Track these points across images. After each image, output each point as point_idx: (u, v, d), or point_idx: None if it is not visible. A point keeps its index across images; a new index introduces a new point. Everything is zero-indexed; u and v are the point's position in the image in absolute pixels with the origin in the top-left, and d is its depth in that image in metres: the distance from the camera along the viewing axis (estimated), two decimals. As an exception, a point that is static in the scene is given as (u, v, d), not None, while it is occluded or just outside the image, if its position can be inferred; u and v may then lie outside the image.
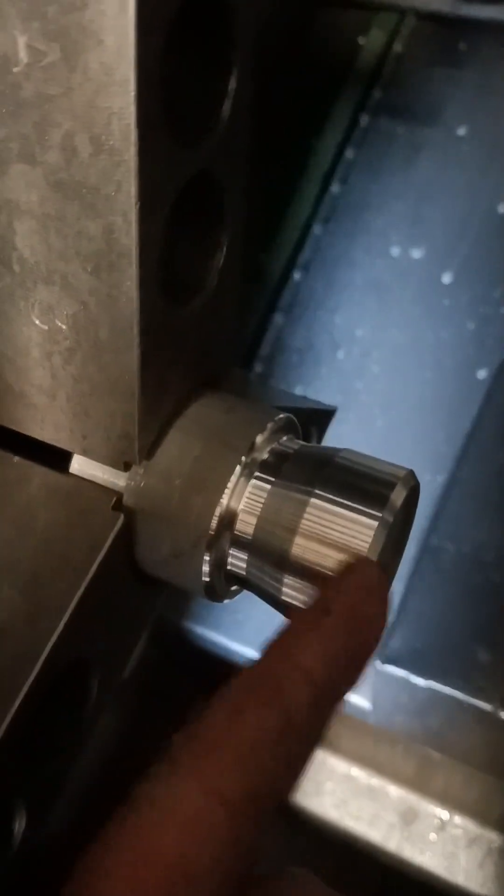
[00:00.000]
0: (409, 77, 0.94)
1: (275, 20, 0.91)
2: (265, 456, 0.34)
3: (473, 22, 0.93)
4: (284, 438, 0.36)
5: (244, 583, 0.35)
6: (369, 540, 0.31)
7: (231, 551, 0.34)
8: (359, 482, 0.32)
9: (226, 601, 0.37)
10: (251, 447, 0.34)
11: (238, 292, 0.36)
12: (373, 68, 0.94)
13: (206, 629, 0.81)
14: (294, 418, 0.36)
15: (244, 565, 0.34)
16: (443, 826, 0.90)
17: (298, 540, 0.32)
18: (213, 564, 0.34)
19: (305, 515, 0.32)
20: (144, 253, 0.29)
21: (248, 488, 0.34)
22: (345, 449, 0.34)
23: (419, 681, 0.71)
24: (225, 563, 0.35)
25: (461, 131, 0.91)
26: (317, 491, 0.32)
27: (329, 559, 0.31)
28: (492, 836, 0.89)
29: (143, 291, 0.30)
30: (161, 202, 0.29)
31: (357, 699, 0.76)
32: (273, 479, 0.34)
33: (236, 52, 0.31)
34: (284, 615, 0.34)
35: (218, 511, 0.33)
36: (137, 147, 0.27)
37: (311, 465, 0.33)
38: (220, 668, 0.84)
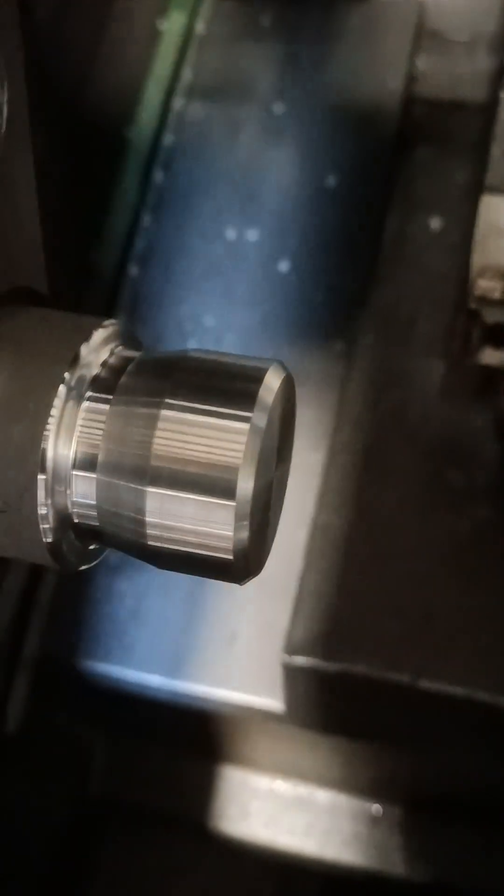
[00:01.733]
0: (216, 57, 0.92)
1: (70, 13, 0.87)
2: (96, 371, 0.28)
3: (272, -5, 0.92)
4: (119, 348, 0.30)
5: (99, 536, 0.29)
6: (241, 448, 0.26)
7: (74, 497, 0.28)
8: (217, 382, 0.27)
9: (83, 568, 0.30)
10: (75, 360, 0.28)
11: (32, 172, 0.29)
12: (178, 51, 0.92)
13: (92, 661, 0.74)
14: (129, 327, 0.30)
15: (94, 513, 0.28)
16: (377, 821, 0.87)
17: (155, 464, 0.26)
18: (54, 517, 0.28)
19: (157, 433, 0.26)
20: None
21: (81, 413, 0.27)
22: (194, 349, 0.29)
23: (330, 666, 0.66)
24: (69, 514, 0.28)
25: (278, 107, 0.90)
26: (167, 400, 0.27)
27: (197, 482, 0.26)
28: (427, 819, 0.86)
29: None
30: None
31: (267, 702, 0.71)
32: (110, 398, 0.28)
33: None
34: (157, 566, 0.28)
35: (46, 445, 0.27)
36: None
37: (156, 373, 0.27)
38: (121, 703, 0.78)
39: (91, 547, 0.30)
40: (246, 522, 0.26)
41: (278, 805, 0.88)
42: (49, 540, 0.28)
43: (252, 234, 0.86)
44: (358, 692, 0.67)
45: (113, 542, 0.28)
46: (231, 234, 0.86)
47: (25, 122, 0.29)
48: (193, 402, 0.26)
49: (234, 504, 0.26)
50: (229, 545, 0.26)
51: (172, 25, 0.93)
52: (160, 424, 0.26)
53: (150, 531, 0.26)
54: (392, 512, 0.69)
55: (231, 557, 0.27)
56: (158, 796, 0.87)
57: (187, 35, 0.93)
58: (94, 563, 0.30)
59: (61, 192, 0.78)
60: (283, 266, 0.84)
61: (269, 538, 0.29)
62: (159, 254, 0.85)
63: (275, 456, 0.28)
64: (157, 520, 0.26)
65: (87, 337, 0.28)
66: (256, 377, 0.27)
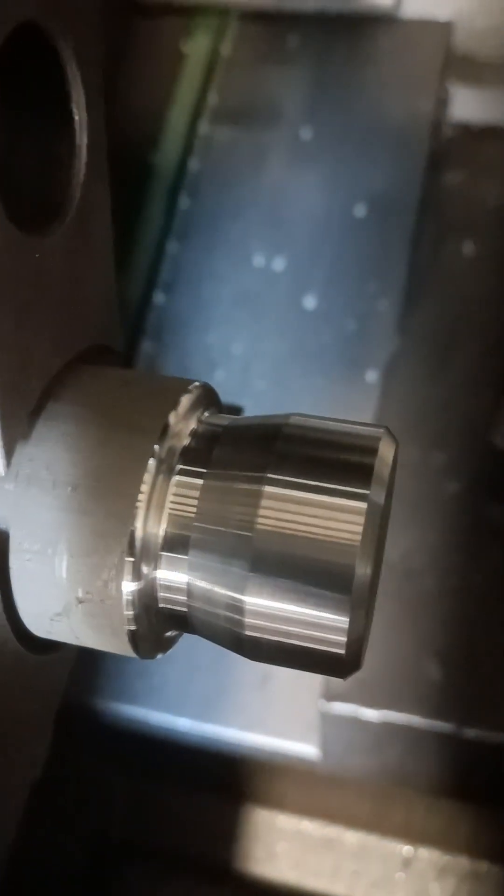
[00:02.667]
0: (241, 80, 0.90)
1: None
2: (186, 441, 0.26)
3: (299, 16, 0.90)
4: (206, 414, 0.27)
5: (185, 623, 0.26)
6: (359, 530, 0.23)
7: (162, 580, 0.25)
8: (326, 453, 0.24)
9: (158, 656, 0.27)
10: (164, 431, 0.25)
11: (110, 221, 0.27)
12: (203, 74, 0.90)
13: (118, 703, 0.71)
14: (211, 387, 0.27)
15: (184, 598, 0.25)
16: (409, 862, 0.84)
17: (258, 546, 0.23)
18: (139, 603, 0.25)
19: (260, 511, 0.23)
20: None
21: (173, 487, 0.25)
22: (294, 413, 0.26)
23: (370, 713, 0.63)
24: (155, 598, 0.25)
25: (305, 131, 0.88)
26: (270, 475, 0.23)
27: (307, 567, 0.23)
28: (460, 861, 0.83)
29: None
30: None
31: (303, 747, 0.68)
32: (204, 471, 0.25)
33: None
34: (253, 658, 0.25)
35: (136, 525, 0.24)
36: None
37: (254, 443, 0.25)
38: (145, 746, 0.75)
39: (169, 633, 0.27)
40: (362, 612, 0.23)
41: (305, 846, 0.85)
42: (132, 628, 0.25)
43: (280, 260, 0.83)
44: (398, 741, 0.64)
45: (202, 630, 0.25)
46: (259, 260, 0.83)
47: (104, 169, 0.27)
48: (301, 477, 0.23)
49: (349, 596, 0.23)
50: (342, 639, 0.23)
51: (197, 48, 0.91)
52: (264, 502, 0.23)
53: (249, 620, 0.23)
54: (433, 550, 0.66)
55: (343, 652, 0.24)
56: (181, 837, 0.85)
57: (212, 58, 0.91)
58: (168, 651, 0.27)
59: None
60: (313, 293, 0.81)
61: (370, 623, 0.27)
62: (186, 281, 0.83)
63: (384, 532, 0.26)
64: (259, 608, 0.23)
65: (175, 404, 0.25)
66: (370, 448, 0.24)
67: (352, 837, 0.84)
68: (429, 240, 0.84)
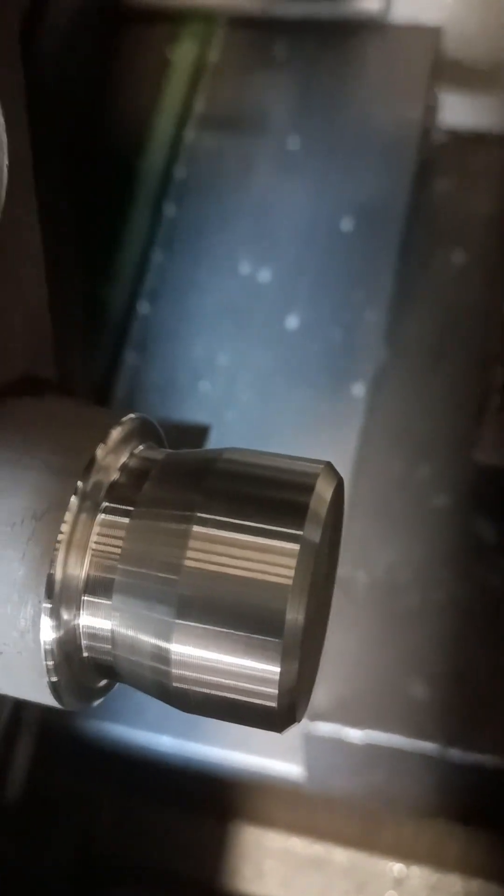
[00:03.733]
0: (228, 87, 0.89)
1: (77, 43, 0.84)
2: (114, 476, 0.24)
3: (286, 22, 0.89)
4: (140, 448, 0.26)
5: (112, 673, 0.25)
6: (291, 573, 0.21)
7: (84, 627, 0.24)
8: (259, 491, 0.23)
9: (94, 704, 0.26)
10: (90, 465, 0.24)
11: (40, 244, 0.26)
12: (189, 81, 0.89)
13: (100, 721, 0.70)
14: (150, 419, 0.26)
15: (108, 646, 0.24)
16: (400, 881, 0.82)
17: (184, 590, 0.22)
18: (59, 652, 0.23)
19: (188, 553, 0.22)
20: None
21: (96, 527, 0.23)
22: (228, 448, 0.24)
23: (354, 734, 0.62)
24: (78, 646, 0.24)
25: (293, 138, 0.87)
26: (199, 514, 0.22)
27: (236, 613, 0.22)
28: (452, 880, 0.82)
29: None
30: None
31: (286, 767, 0.67)
32: (131, 509, 0.23)
33: None
34: (182, 709, 0.24)
35: (54, 569, 0.23)
36: None
37: (185, 479, 0.23)
38: (128, 764, 0.74)
39: (100, 683, 0.26)
40: (295, 661, 0.22)
41: (294, 865, 0.84)
42: (53, 679, 0.23)
43: (267, 270, 0.82)
44: (383, 761, 0.63)
45: (129, 679, 0.24)
46: (245, 269, 0.82)
47: (30, 191, 0.26)
48: (231, 517, 0.22)
49: (280, 641, 0.22)
50: (273, 690, 0.22)
51: (184, 55, 0.90)
52: (191, 542, 0.22)
53: (175, 671, 0.22)
54: (419, 566, 0.65)
55: (274, 705, 0.22)
56: (167, 856, 0.83)
57: (199, 65, 0.90)
58: (102, 699, 0.26)
59: (70, 226, 0.75)
60: (300, 303, 0.80)
61: (313, 674, 0.25)
62: (171, 290, 0.82)
63: (323, 573, 0.24)
64: (186, 658, 0.22)
65: (103, 437, 0.24)
66: (306, 485, 0.22)
67: (341, 855, 0.83)
68: (418, 248, 0.82)
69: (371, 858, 0.82)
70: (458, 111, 0.89)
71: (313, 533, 0.22)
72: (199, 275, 0.82)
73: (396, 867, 0.82)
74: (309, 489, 0.22)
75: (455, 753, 0.60)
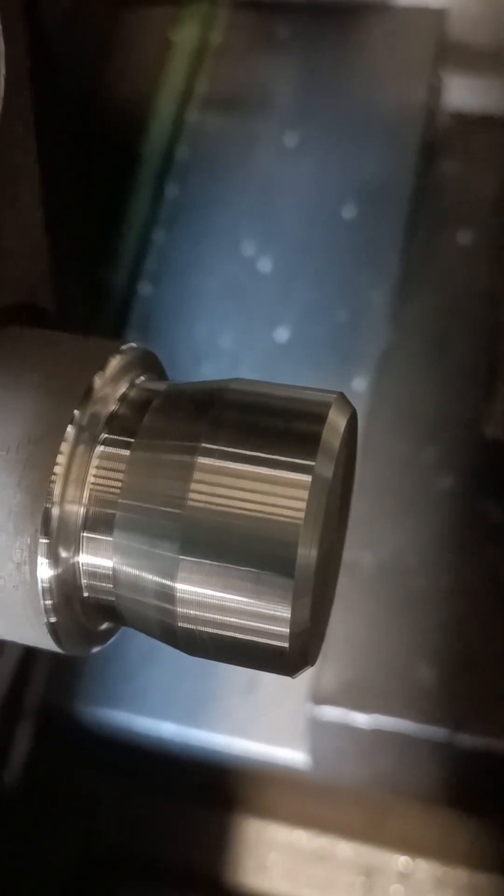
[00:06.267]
0: (231, 68, 0.88)
1: (80, 24, 0.83)
2: (113, 407, 0.23)
3: (290, 4, 0.88)
4: (142, 379, 0.24)
5: (114, 614, 0.23)
6: (303, 507, 0.20)
7: (84, 565, 0.22)
8: (269, 422, 0.21)
9: (95, 650, 0.24)
10: (87, 394, 0.22)
11: (35, 160, 0.24)
12: (192, 63, 0.88)
13: (101, 708, 0.68)
14: (152, 351, 0.25)
15: (110, 585, 0.22)
16: (406, 875, 0.81)
17: (189, 525, 0.20)
18: (58, 592, 0.22)
19: (193, 486, 0.20)
20: None
21: (94, 460, 0.22)
22: (236, 378, 0.23)
23: (361, 718, 0.61)
24: (78, 586, 0.22)
25: (296, 119, 0.86)
26: (204, 445, 0.21)
27: (244, 549, 0.20)
28: (459, 873, 0.81)
29: None
30: None
31: (292, 754, 0.65)
32: (131, 441, 0.22)
33: None
34: (189, 652, 0.22)
35: (51, 502, 0.21)
36: None
37: (189, 410, 0.22)
38: (130, 752, 0.72)
39: (103, 626, 0.24)
40: (307, 600, 0.20)
41: (298, 857, 0.82)
42: (52, 620, 0.22)
43: (270, 251, 0.81)
44: (390, 747, 0.62)
45: (133, 621, 0.23)
46: (248, 250, 0.81)
47: (28, 109, 0.25)
48: (238, 447, 0.21)
49: (292, 579, 0.20)
50: (284, 630, 0.20)
51: (186, 36, 0.89)
52: (196, 475, 0.21)
53: (181, 609, 0.21)
54: (427, 549, 0.63)
55: (286, 645, 0.21)
56: (170, 848, 0.82)
57: (202, 46, 0.89)
58: (104, 646, 0.24)
59: (71, 207, 0.74)
60: (304, 284, 0.79)
61: (326, 617, 0.24)
62: (173, 271, 0.81)
63: (336, 513, 0.23)
64: (191, 596, 0.21)
65: (101, 365, 0.22)
66: (319, 415, 0.21)
67: (346, 848, 0.82)
68: (423, 230, 0.81)
69: (376, 851, 0.81)
70: (463, 93, 0.88)
71: (326, 464, 0.21)
72: (201, 256, 0.81)
73: (402, 860, 0.80)
74: (321, 419, 0.21)
75: (463, 738, 0.59)
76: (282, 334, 0.78)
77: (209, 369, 0.77)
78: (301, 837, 0.82)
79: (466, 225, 0.81)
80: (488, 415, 0.59)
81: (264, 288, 0.79)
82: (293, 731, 0.64)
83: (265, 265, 0.80)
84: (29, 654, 0.68)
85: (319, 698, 0.61)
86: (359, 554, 0.64)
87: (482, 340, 0.72)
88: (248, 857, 0.82)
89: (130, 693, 0.69)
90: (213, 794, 0.80)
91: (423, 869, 0.80)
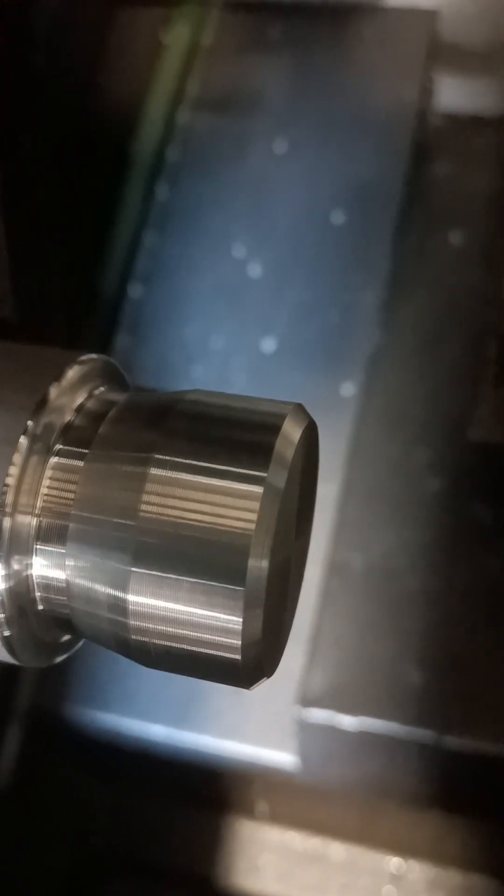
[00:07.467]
0: (223, 70, 0.88)
1: (70, 24, 0.83)
2: (68, 417, 0.23)
3: (281, 5, 0.88)
4: (101, 389, 0.24)
5: (69, 626, 0.23)
6: (253, 517, 0.20)
7: (38, 577, 0.22)
8: (222, 432, 0.21)
9: (56, 661, 0.25)
10: (42, 404, 0.22)
11: None
12: (183, 64, 0.88)
13: (90, 710, 0.68)
14: (113, 362, 0.25)
15: (64, 598, 0.22)
16: (398, 877, 0.81)
17: (141, 536, 0.20)
18: (10, 604, 0.22)
19: (144, 497, 0.21)
20: None
21: (48, 471, 0.22)
22: (193, 389, 0.23)
23: (348, 721, 0.61)
24: (32, 599, 0.23)
25: (287, 120, 0.86)
26: (157, 455, 0.21)
27: (195, 560, 0.20)
28: (451, 874, 0.81)
29: None
30: None
31: (281, 756, 0.65)
32: (85, 452, 0.22)
33: None
34: (143, 664, 0.22)
35: (2, 513, 0.21)
36: None
37: (144, 420, 0.22)
38: (119, 754, 0.72)
39: (63, 639, 0.24)
40: (259, 611, 0.20)
41: (290, 859, 0.82)
42: (5, 633, 0.22)
43: (262, 252, 0.81)
44: (378, 749, 0.62)
45: (88, 634, 0.23)
46: (240, 252, 0.81)
47: None
48: (192, 458, 0.21)
49: (242, 589, 0.20)
50: (237, 641, 0.21)
51: (177, 38, 0.89)
52: (148, 486, 0.21)
53: (133, 622, 0.21)
54: (416, 551, 0.63)
55: (239, 657, 0.21)
56: (162, 850, 0.82)
57: (193, 47, 0.89)
58: (65, 657, 0.24)
59: (61, 208, 0.74)
60: (295, 286, 0.79)
61: (286, 630, 0.24)
62: (163, 273, 0.81)
63: (294, 524, 0.23)
64: (144, 608, 0.21)
65: (58, 375, 0.22)
66: (272, 425, 0.21)
67: (338, 849, 0.82)
68: (414, 231, 0.81)
69: (368, 853, 0.81)
70: (455, 94, 0.88)
71: (279, 475, 0.21)
72: (192, 257, 0.81)
73: (394, 862, 0.80)
74: (275, 430, 0.21)
75: (451, 740, 0.58)
76: (273, 336, 0.78)
77: (200, 371, 0.77)
78: (293, 839, 0.82)
79: (458, 226, 0.82)
80: (473, 417, 0.59)
81: (255, 290, 0.80)
82: (282, 733, 0.64)
83: (256, 267, 0.80)
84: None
85: (307, 701, 0.61)
86: (348, 556, 0.64)
87: (472, 342, 0.72)
88: (240, 858, 0.82)
89: (120, 695, 0.69)
90: (204, 794, 0.80)
91: (416, 870, 0.80)
